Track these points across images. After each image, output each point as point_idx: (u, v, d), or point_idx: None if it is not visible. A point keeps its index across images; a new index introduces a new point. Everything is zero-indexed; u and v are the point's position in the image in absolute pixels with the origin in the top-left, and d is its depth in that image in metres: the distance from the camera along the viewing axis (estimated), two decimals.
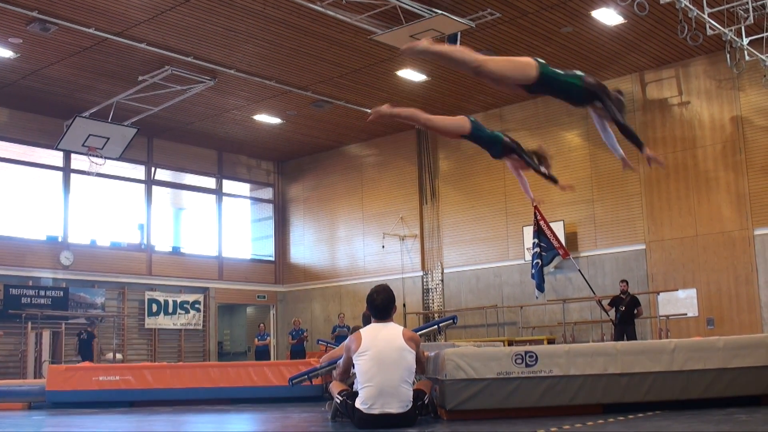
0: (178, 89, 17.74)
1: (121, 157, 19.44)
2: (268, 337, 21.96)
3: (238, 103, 19.43)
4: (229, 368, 11.49)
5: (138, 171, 22.11)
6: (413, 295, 21.07)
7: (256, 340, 21.18)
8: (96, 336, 18.94)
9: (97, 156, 18.68)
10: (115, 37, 15.28)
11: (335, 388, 6.31)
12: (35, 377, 17.75)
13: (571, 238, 18.29)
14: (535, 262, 17.38)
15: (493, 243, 19.92)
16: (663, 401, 6.43)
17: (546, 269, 17.60)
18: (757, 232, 16.23)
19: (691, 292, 16.87)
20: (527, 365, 6.31)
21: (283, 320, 23.99)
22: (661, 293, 16.93)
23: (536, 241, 17.30)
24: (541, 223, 17.21)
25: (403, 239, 21.40)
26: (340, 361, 6.44)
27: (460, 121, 6.59)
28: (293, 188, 24.76)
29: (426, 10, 13.49)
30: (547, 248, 17.25)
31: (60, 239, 20.23)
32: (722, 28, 13.77)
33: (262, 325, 21.93)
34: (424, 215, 21.36)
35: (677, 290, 16.88)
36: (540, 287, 17.26)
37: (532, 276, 17.51)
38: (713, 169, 16.95)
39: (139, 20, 14.72)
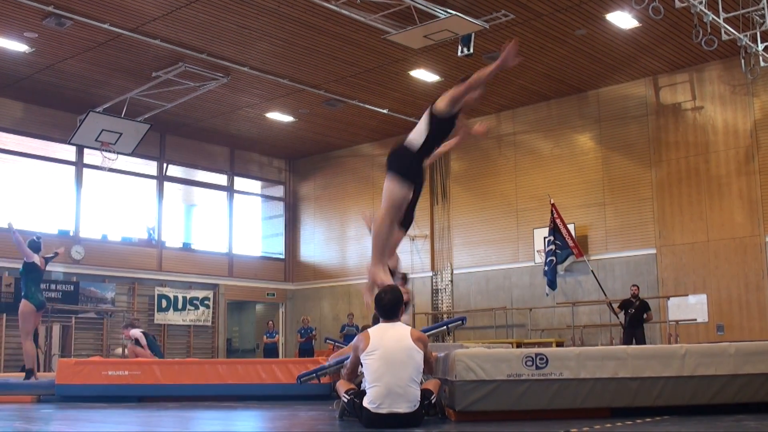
0: (192, 86, 17.79)
1: (134, 153, 19.51)
2: (277, 335, 22.00)
3: (251, 100, 19.47)
4: (237, 365, 11.49)
5: (150, 167, 22.18)
6: (422, 295, 21.06)
7: (265, 337, 21.22)
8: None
9: (109, 151, 18.76)
10: (129, 33, 15.33)
11: (342, 387, 6.31)
12: (45, 371, 17.82)
13: (582, 241, 18.23)
14: (549, 259, 17.37)
15: (504, 245, 19.89)
16: (672, 406, 6.40)
17: (558, 268, 17.60)
18: None
19: (702, 298, 16.80)
20: (537, 367, 6.29)
21: (292, 318, 24.02)
22: (671, 298, 16.89)
23: (551, 238, 17.30)
24: (557, 221, 17.21)
25: (413, 239, 21.38)
26: (348, 361, 6.44)
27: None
28: (304, 186, 24.79)
29: (440, 11, 13.48)
30: (562, 246, 17.26)
31: (71, 233, 20.31)
32: (737, 34, 13.71)
33: (270, 322, 21.96)
34: (434, 216, 21.35)
35: (687, 295, 16.82)
36: (552, 285, 17.25)
37: (545, 273, 17.49)
38: (726, 174, 16.88)
39: (153, 16, 14.76)
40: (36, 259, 11.52)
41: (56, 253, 12.39)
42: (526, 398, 6.25)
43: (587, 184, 18.74)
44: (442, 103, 6.25)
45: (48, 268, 19.27)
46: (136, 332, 14.41)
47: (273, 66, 17.24)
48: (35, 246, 11.56)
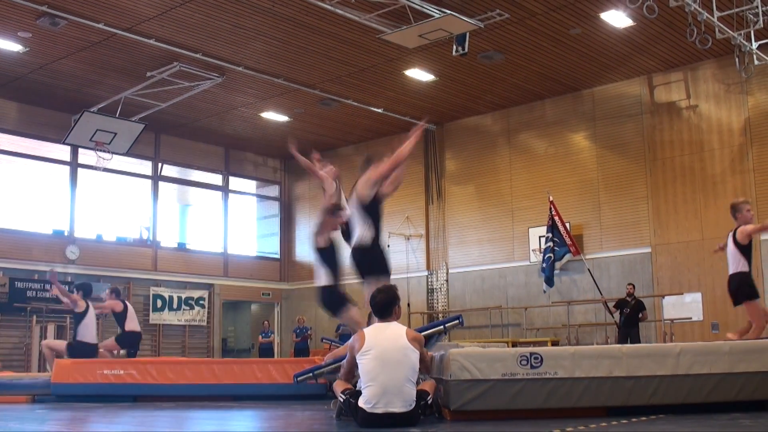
0: (186, 85, 17.76)
1: (128, 153, 19.47)
2: (272, 335, 21.97)
3: (246, 100, 19.45)
4: (233, 365, 11.48)
5: (145, 167, 22.14)
6: (418, 294, 21.06)
7: (261, 337, 21.18)
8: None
9: (104, 151, 18.72)
10: (124, 33, 15.30)
11: (338, 387, 6.30)
12: (40, 370, 17.80)
13: (577, 240, 18.22)
14: (547, 256, 17.37)
15: (499, 244, 19.90)
16: (667, 405, 6.41)
17: (555, 266, 17.61)
18: (764, 237, 16.13)
19: (697, 296, 16.83)
20: (532, 367, 6.30)
21: (287, 318, 24.00)
22: (666, 297, 16.90)
23: (550, 235, 17.30)
24: (556, 218, 17.22)
25: (408, 239, 21.38)
26: (344, 361, 6.44)
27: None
28: (299, 186, 24.76)
29: (435, 10, 13.48)
30: (560, 244, 17.27)
31: (66, 233, 20.27)
32: (731, 32, 13.73)
33: (266, 322, 21.94)
34: (429, 215, 21.35)
35: (683, 294, 16.84)
36: (549, 282, 17.24)
37: (543, 270, 17.46)
38: (720, 173, 16.91)
39: (148, 16, 14.74)
40: None
41: None
42: (520, 398, 6.25)
43: (582, 183, 18.75)
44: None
45: (43, 268, 19.50)
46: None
47: (268, 65, 17.22)
48: None
